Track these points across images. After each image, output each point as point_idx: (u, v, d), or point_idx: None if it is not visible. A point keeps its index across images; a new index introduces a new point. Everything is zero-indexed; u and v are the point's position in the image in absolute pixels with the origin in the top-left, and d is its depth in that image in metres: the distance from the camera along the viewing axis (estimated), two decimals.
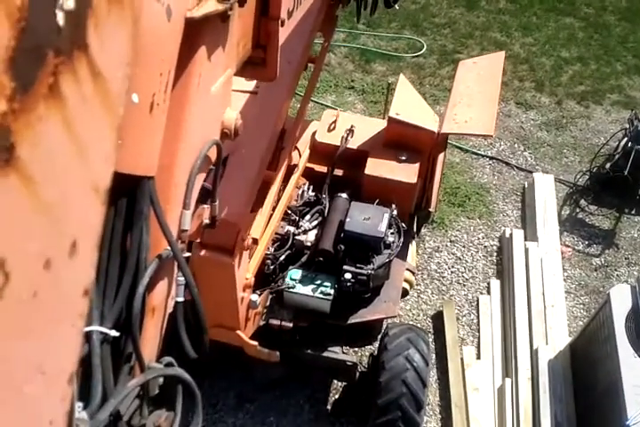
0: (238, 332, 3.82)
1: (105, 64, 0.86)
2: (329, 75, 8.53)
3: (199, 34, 1.58)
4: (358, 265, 4.16)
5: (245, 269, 3.56)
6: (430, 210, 5.26)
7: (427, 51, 8.94)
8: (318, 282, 4.29)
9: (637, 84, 8.51)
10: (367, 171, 4.54)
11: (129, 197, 1.45)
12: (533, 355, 5.05)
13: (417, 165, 4.57)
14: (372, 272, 4.15)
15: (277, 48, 2.16)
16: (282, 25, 2.15)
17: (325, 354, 4.45)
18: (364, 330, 5.28)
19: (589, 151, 7.41)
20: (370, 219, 4.19)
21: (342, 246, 4.14)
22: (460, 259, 6.19)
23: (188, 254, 1.79)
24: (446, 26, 9.56)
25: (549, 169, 7.14)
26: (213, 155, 1.78)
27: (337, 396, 5.11)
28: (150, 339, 1.67)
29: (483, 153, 7.33)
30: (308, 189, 4.86)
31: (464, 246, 6.31)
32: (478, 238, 6.39)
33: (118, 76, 0.91)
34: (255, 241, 3.77)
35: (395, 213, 4.37)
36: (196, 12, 1.49)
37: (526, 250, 5.87)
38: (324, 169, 4.96)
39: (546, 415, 4.60)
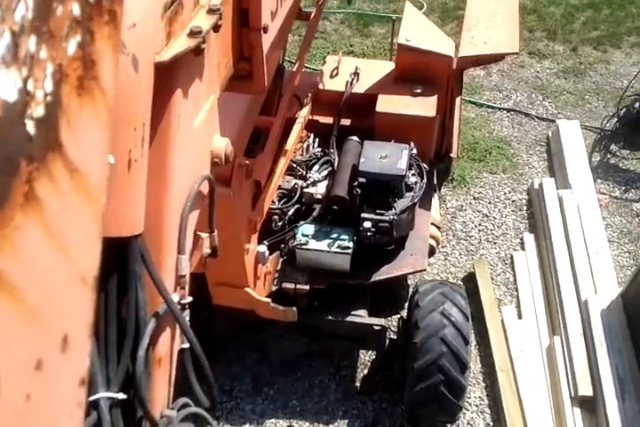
0: (247, 289, 3.30)
1: (81, 158, 0.84)
2: (325, 41, 8.02)
3: (172, 75, 1.49)
4: (378, 211, 3.63)
5: (248, 208, 3.04)
6: (452, 155, 4.72)
7: (427, 10, 8.38)
8: (334, 236, 3.76)
9: None
10: (378, 108, 4.03)
11: (119, 257, 1.41)
12: (582, 307, 4.50)
13: (434, 97, 4.05)
14: (395, 218, 3.62)
15: (263, 59, 2.05)
16: (265, 31, 2.04)
17: (349, 319, 3.91)
18: (391, 292, 4.78)
19: (613, 95, 6.85)
20: (387, 157, 3.67)
21: (358, 190, 3.61)
22: (486, 216, 5.64)
23: (189, 299, 1.70)
24: None
25: (573, 117, 6.59)
26: (206, 188, 1.70)
27: (365, 371, 4.57)
28: (160, 388, 1.66)
29: (499, 106, 6.79)
30: (314, 142, 4.35)
31: (490, 203, 5.76)
32: (505, 193, 5.85)
33: (96, 166, 0.89)
34: (258, 185, 3.27)
35: (414, 151, 3.83)
36: (166, 55, 1.41)
37: (560, 198, 5.32)
38: (329, 120, 4.45)
39: (606, 371, 4.05)
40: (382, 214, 3.63)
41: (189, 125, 1.60)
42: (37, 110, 0.74)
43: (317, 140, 4.37)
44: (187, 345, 1.68)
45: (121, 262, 1.43)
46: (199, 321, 3.52)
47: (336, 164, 4.06)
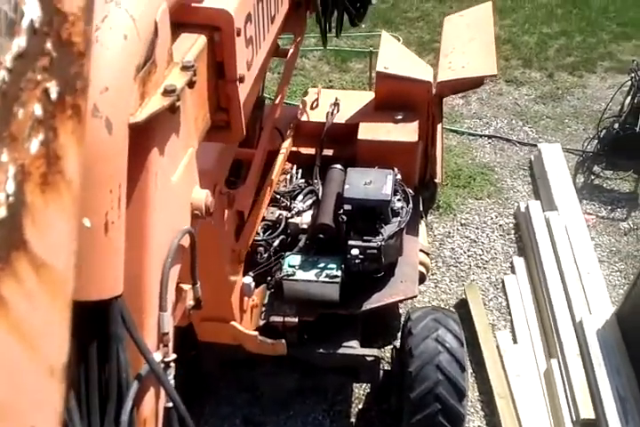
0: (233, 323, 3.21)
1: (47, 252, 0.83)
2: (305, 78, 8.11)
3: (147, 135, 1.48)
4: (365, 238, 3.59)
5: (231, 238, 2.99)
6: (437, 181, 4.71)
7: (404, 43, 8.49)
8: (322, 265, 3.71)
9: (627, 48, 8.12)
10: (360, 135, 4.02)
11: (99, 320, 1.37)
12: (578, 328, 4.44)
13: (415, 123, 4.06)
14: (383, 244, 3.58)
15: (240, 109, 2.07)
16: (241, 82, 2.05)
17: (340, 351, 3.82)
18: (382, 322, 4.70)
19: (592, 118, 6.93)
20: (371, 183, 3.65)
21: (344, 217, 3.58)
22: (475, 241, 5.62)
23: (173, 357, 1.65)
24: (420, 19, 9.22)
25: (553, 140, 6.65)
26: (187, 241, 1.69)
27: (361, 406, 4.46)
28: None
29: (480, 133, 6.85)
30: (297, 173, 4.33)
31: (477, 228, 5.74)
32: (491, 218, 5.84)
33: (63, 256, 0.88)
34: (241, 215, 3.23)
35: (398, 176, 3.82)
36: (140, 115, 1.40)
37: (547, 220, 5.31)
38: (312, 151, 4.44)
39: (606, 392, 3.97)
40: (370, 241, 3.58)
41: (167, 182, 1.59)
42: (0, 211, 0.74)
43: (300, 171, 4.35)
44: (171, 404, 1.64)
45: (101, 325, 1.40)
46: (186, 361, 3.45)
47: (320, 193, 4.04)
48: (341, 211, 3.62)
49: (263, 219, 3.86)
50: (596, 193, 6.07)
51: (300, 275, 3.66)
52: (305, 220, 3.94)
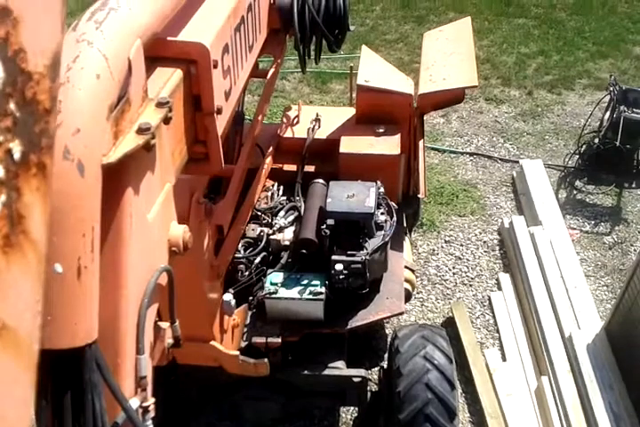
0: (213, 343, 3.07)
1: (10, 314, 0.80)
2: (285, 99, 8.07)
3: (121, 175, 1.44)
4: (349, 252, 3.48)
5: (210, 252, 2.87)
6: (420, 196, 4.63)
7: None
8: (305, 282, 3.59)
9: (604, 66, 8.21)
10: (342, 149, 3.95)
11: (72, 367, 1.32)
12: (567, 344, 4.35)
13: (397, 136, 4.00)
14: (368, 258, 3.47)
15: (218, 140, 2.05)
16: (219, 113, 2.03)
17: (326, 372, 3.68)
18: (368, 343, 4.58)
19: (572, 134, 6.96)
20: (354, 196, 3.56)
21: (327, 232, 3.47)
22: (459, 258, 5.54)
23: (151, 401, 1.61)
24: (399, 41, 9.28)
25: (535, 157, 6.64)
26: (165, 279, 1.65)
27: None
28: None
29: (461, 150, 6.83)
30: (278, 190, 4.23)
31: (462, 245, 5.67)
32: (475, 235, 5.77)
33: (27, 317, 0.85)
34: (221, 230, 3.11)
35: (381, 190, 3.74)
36: (114, 156, 1.36)
37: (531, 235, 5.25)
38: (293, 168, 4.36)
39: (599, 408, 3.86)
40: (354, 255, 3.48)
41: (143, 221, 1.55)
42: None
43: (282, 188, 4.26)
44: None
45: (75, 372, 1.34)
46: (165, 386, 3.29)
47: (302, 209, 3.94)
48: (324, 225, 3.52)
49: (244, 236, 3.75)
50: (579, 208, 6.04)
51: (283, 293, 3.54)
52: (287, 236, 3.83)
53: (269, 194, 4.18)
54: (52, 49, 0.87)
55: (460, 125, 7.21)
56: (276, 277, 3.61)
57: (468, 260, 5.51)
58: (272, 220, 3.92)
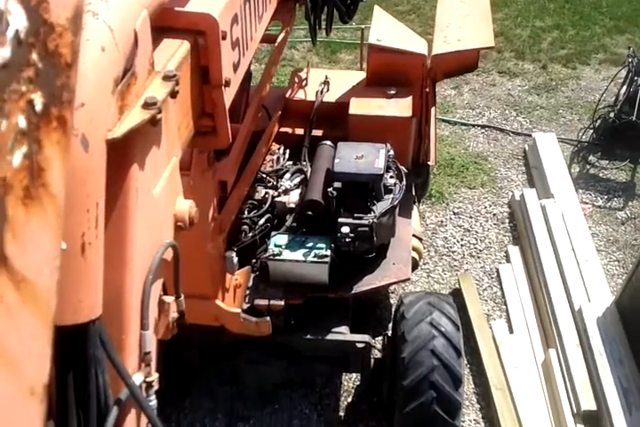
0: (215, 302, 2.98)
1: (29, 267, 0.80)
2: (294, 68, 7.90)
3: (127, 150, 1.41)
4: (356, 215, 3.37)
5: (213, 204, 2.76)
6: (430, 163, 4.50)
7: None
8: (310, 245, 3.48)
9: (621, 42, 7.99)
10: (352, 110, 3.81)
11: (76, 343, 1.30)
12: (577, 317, 4.25)
13: (409, 98, 3.86)
14: (375, 221, 3.36)
15: (226, 114, 2.04)
16: (227, 86, 2.00)
17: (329, 337, 3.58)
18: (372, 312, 4.49)
19: (587, 109, 6.79)
20: (363, 157, 3.43)
21: (334, 192, 3.36)
22: (468, 230, 5.42)
23: (155, 376, 1.59)
24: (411, 12, 9.05)
25: (548, 130, 6.47)
26: (170, 255, 1.64)
27: (350, 399, 4.22)
28: None
29: (473, 122, 6.67)
30: (284, 153, 4.10)
31: (470, 217, 5.55)
32: (485, 207, 5.65)
33: (45, 271, 0.84)
34: (224, 187, 3.00)
35: (391, 152, 3.61)
36: (119, 131, 1.34)
37: (543, 208, 5.13)
38: (300, 132, 4.23)
39: (608, 382, 3.77)
40: (361, 218, 3.36)
41: (149, 196, 1.53)
42: None
43: (288, 151, 4.13)
44: None
45: (79, 348, 1.33)
46: (164, 350, 3.21)
47: (309, 172, 3.82)
48: (331, 187, 3.40)
49: (248, 198, 3.64)
50: (592, 182, 5.90)
51: (287, 255, 3.43)
52: (292, 199, 3.72)
53: (275, 157, 4.06)
54: (75, 1, 0.86)
55: (471, 98, 7.04)
56: (280, 239, 3.50)
57: (476, 232, 5.40)
58: (277, 182, 3.81)
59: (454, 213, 5.57)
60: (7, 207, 0.76)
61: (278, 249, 3.45)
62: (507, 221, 5.51)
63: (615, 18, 8.53)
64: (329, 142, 3.82)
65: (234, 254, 3.11)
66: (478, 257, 5.18)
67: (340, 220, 3.36)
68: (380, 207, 3.43)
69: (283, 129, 4.23)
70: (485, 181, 5.92)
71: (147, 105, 1.43)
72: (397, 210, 3.59)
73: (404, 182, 3.59)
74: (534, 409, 3.94)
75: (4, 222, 0.76)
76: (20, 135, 0.77)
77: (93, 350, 1.33)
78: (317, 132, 4.17)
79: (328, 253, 3.41)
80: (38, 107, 0.80)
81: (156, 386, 1.60)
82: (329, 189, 3.40)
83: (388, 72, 3.92)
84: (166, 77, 1.55)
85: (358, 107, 3.84)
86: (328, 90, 4.33)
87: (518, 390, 4.04)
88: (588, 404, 3.78)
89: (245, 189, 3.42)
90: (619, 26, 8.34)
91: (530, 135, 6.35)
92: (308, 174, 3.80)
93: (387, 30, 4.03)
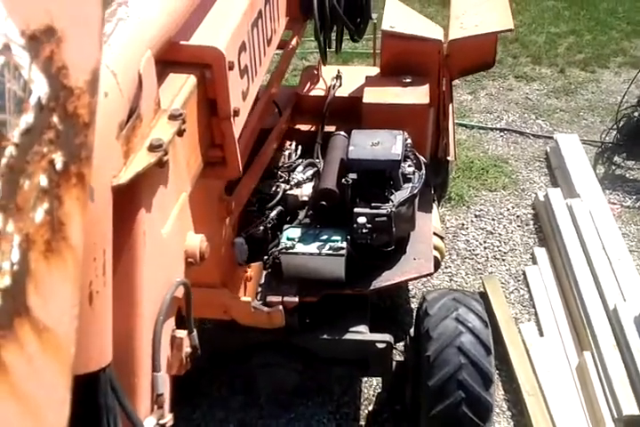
0: (225, 291, 2.77)
1: (50, 316, 0.83)
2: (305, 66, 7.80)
3: (133, 194, 1.39)
4: (374, 204, 3.16)
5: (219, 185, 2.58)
6: (449, 158, 4.30)
7: None
8: (324, 237, 3.27)
9: None
10: (366, 99, 3.64)
11: (87, 391, 1.26)
12: (612, 317, 3.97)
13: (426, 86, 3.68)
14: (394, 210, 3.15)
15: (235, 144, 2.02)
16: (236, 115, 1.99)
17: (347, 337, 3.35)
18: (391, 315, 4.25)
19: (608, 111, 6.58)
20: (379, 144, 3.24)
21: (349, 180, 3.16)
22: (491, 233, 5.18)
23: (169, 418, 1.58)
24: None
25: (570, 132, 6.26)
26: (181, 292, 1.62)
27: (371, 407, 3.96)
28: None
29: (491, 126, 6.48)
30: (296, 149, 3.93)
31: (493, 219, 5.32)
32: (508, 209, 5.41)
33: (65, 320, 0.88)
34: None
35: (409, 141, 3.42)
36: (125, 176, 1.32)
37: (569, 207, 4.89)
38: (313, 128, 4.08)
39: None
40: (379, 208, 3.15)
41: (157, 237, 1.51)
42: (3, 281, 0.74)
43: (300, 148, 3.97)
44: None
45: (90, 397, 1.31)
46: None
47: (322, 166, 3.64)
48: (346, 176, 3.21)
49: (259, 191, 3.46)
50: (618, 183, 5.66)
51: (301, 248, 3.22)
52: (305, 192, 3.53)
53: (287, 153, 3.89)
54: (92, 65, 0.91)
55: (488, 102, 6.87)
56: (293, 232, 3.30)
57: (500, 234, 5.16)
58: (289, 176, 3.63)
59: (476, 216, 5.35)
60: (30, 261, 0.79)
61: (291, 242, 3.24)
62: (531, 222, 5.27)
63: (633, 23, 8.37)
64: (342, 133, 3.64)
65: (243, 241, 2.91)
66: (503, 260, 4.93)
67: (357, 210, 3.16)
68: (398, 196, 3.22)
69: (295, 126, 4.08)
70: (507, 183, 5.70)
71: (153, 147, 1.40)
72: (417, 201, 3.38)
73: (424, 172, 3.39)
74: (570, 415, 3.65)
75: (28, 275, 0.78)
76: (42, 193, 0.81)
77: (105, 399, 1.32)
78: (330, 128, 4.01)
79: (344, 245, 3.20)
80: (59, 165, 0.84)
81: (170, 424, 1.59)
82: (344, 179, 3.21)
83: (402, 60, 3.75)
84: (172, 117, 1.52)
85: (372, 95, 3.67)
86: (341, 85, 4.19)
87: (552, 395, 3.76)
88: (630, 408, 3.49)
89: (255, 178, 3.24)
90: (637, 30, 8.17)
91: (551, 138, 6.15)
92: (321, 168, 3.62)
93: (400, 17, 3.89)
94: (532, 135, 6.32)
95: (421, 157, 3.47)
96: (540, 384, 3.84)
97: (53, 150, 0.83)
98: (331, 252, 3.19)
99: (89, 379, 1.27)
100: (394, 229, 3.21)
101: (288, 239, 3.26)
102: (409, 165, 3.36)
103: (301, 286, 3.26)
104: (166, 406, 1.56)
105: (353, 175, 3.20)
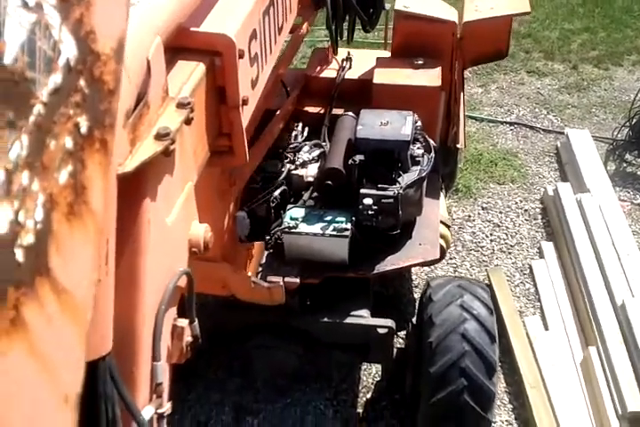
0: (225, 264, 2.70)
1: (69, 279, 0.85)
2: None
3: (139, 182, 1.39)
4: (381, 185, 3.08)
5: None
6: (459, 146, 4.22)
7: None
8: (329, 218, 3.19)
9: None
10: (376, 80, 3.56)
11: (86, 379, 1.19)
12: (620, 312, 3.88)
13: (438, 68, 3.60)
14: (401, 192, 3.07)
15: (243, 133, 2.00)
16: (245, 104, 1.96)
17: (348, 321, 3.26)
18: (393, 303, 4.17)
19: (621, 108, 6.48)
20: (388, 123, 3.16)
21: (356, 160, 3.08)
22: (498, 226, 5.09)
23: (167, 407, 1.57)
24: None
25: (581, 128, 6.16)
26: (184, 281, 1.62)
27: (369, 395, 3.88)
28: None
29: (501, 120, 6.38)
30: (303, 131, 3.85)
31: (500, 212, 5.22)
32: (516, 202, 5.32)
33: (84, 285, 0.89)
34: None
35: (419, 123, 3.33)
36: (130, 164, 1.31)
37: (579, 202, 4.80)
38: (320, 111, 3.99)
39: None
40: (385, 189, 3.07)
41: (162, 225, 1.49)
42: (27, 239, 0.76)
43: (307, 130, 3.88)
44: None
45: (89, 385, 1.27)
46: None
47: (328, 148, 3.55)
48: (354, 156, 3.12)
49: (263, 170, 3.38)
50: (629, 180, 5.57)
51: (304, 228, 3.14)
52: (310, 172, 3.45)
53: (293, 134, 3.81)
54: (119, 33, 0.93)
55: (499, 96, 6.77)
56: (296, 211, 3.23)
57: (507, 227, 5.06)
58: (294, 156, 3.55)
59: (483, 208, 5.25)
60: (53, 222, 0.80)
61: (294, 222, 3.16)
62: (539, 217, 5.17)
63: None
64: (351, 113, 3.55)
65: (245, 215, 2.83)
66: (509, 253, 4.84)
67: (363, 191, 3.08)
68: (406, 179, 3.14)
69: (303, 108, 4.00)
70: (515, 176, 5.60)
71: (159, 136, 1.38)
72: (425, 185, 3.30)
73: (433, 155, 3.30)
74: (573, 409, 3.57)
75: (50, 236, 0.79)
76: (67, 155, 0.82)
77: (104, 387, 1.33)
78: (339, 111, 3.92)
79: (349, 226, 3.12)
80: (83, 129, 0.85)
81: (167, 417, 1.58)
82: (351, 159, 3.12)
83: (415, 42, 3.67)
84: (180, 105, 1.50)
85: (383, 76, 3.59)
86: (350, 67, 4.10)
87: (555, 388, 3.67)
88: (636, 405, 3.41)
89: (259, 155, 3.16)
90: None
91: (561, 133, 6.05)
92: (327, 150, 3.54)
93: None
94: (543, 130, 6.22)
95: (431, 141, 3.38)
96: (542, 377, 3.76)
97: (79, 113, 0.83)
98: (335, 233, 3.11)
99: (88, 367, 1.23)
100: (400, 212, 3.13)
101: (291, 219, 3.18)
102: (418, 148, 3.28)
103: (303, 267, 3.18)
104: (165, 395, 1.56)
105: (360, 156, 3.12)
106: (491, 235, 4.99)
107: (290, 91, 3.94)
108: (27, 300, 0.76)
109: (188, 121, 1.52)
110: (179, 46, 1.73)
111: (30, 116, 0.76)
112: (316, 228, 3.14)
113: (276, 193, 3.28)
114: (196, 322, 1.73)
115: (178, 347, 1.67)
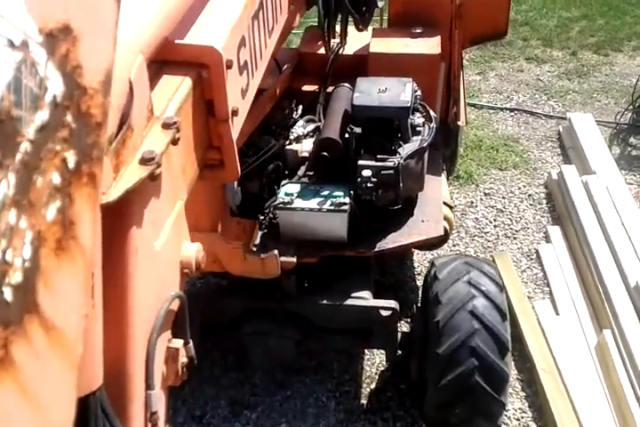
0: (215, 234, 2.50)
1: (58, 314, 0.83)
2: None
3: (123, 210, 1.30)
4: (380, 156, 2.89)
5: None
6: (460, 124, 4.03)
7: None
8: (326, 193, 3.00)
9: None
10: (372, 49, 3.39)
11: (77, 414, 1.10)
12: (634, 293, 3.69)
13: (437, 37, 3.43)
14: (402, 163, 2.88)
15: (234, 146, 1.92)
16: (235, 115, 1.89)
17: (348, 302, 3.06)
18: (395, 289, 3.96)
19: (623, 93, 6.32)
20: (387, 90, 2.97)
21: (353, 128, 2.89)
22: (502, 211, 4.91)
23: None
24: None
25: (583, 113, 6.00)
26: (176, 305, 1.55)
27: (373, 385, 3.67)
28: None
29: (501, 106, 6.22)
30: (296, 108, 3.66)
31: (503, 198, 5.04)
32: (519, 188, 5.14)
33: (73, 319, 0.88)
34: None
35: (418, 93, 3.15)
36: (114, 193, 1.22)
37: (585, 184, 4.62)
38: (314, 88, 3.81)
39: None
40: (385, 160, 2.89)
41: (150, 251, 1.42)
42: (15, 277, 0.75)
43: (301, 107, 3.70)
44: None
45: (81, 421, 1.22)
46: None
47: (322, 124, 3.37)
48: (351, 125, 2.94)
49: (255, 145, 3.19)
50: (635, 164, 5.39)
51: (300, 203, 2.95)
52: (305, 147, 3.26)
53: (286, 112, 3.62)
54: (106, 66, 0.93)
55: (498, 83, 6.61)
56: (291, 187, 3.03)
57: (511, 212, 4.88)
58: (288, 131, 3.36)
59: (485, 194, 5.07)
60: (41, 258, 0.79)
61: (289, 198, 2.97)
62: (544, 201, 4.99)
63: None
64: (347, 85, 3.37)
65: (236, 185, 2.64)
66: (514, 238, 4.65)
67: (361, 162, 2.89)
68: (406, 149, 2.95)
69: (296, 86, 3.82)
70: (518, 162, 5.42)
71: (144, 160, 1.31)
72: (426, 157, 3.11)
73: (434, 125, 3.12)
74: (589, 394, 3.36)
75: (38, 272, 0.79)
76: (54, 190, 0.81)
77: (95, 422, 1.29)
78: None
79: (347, 200, 2.93)
80: (71, 164, 0.85)
81: None
82: (348, 126, 2.94)
83: (412, 10, 3.51)
84: (166, 125, 1.42)
85: (380, 45, 3.42)
86: (346, 42, 3.92)
87: (569, 373, 3.47)
88: None
89: (250, 126, 2.97)
90: None
91: (563, 118, 5.89)
92: (322, 126, 3.35)
93: None
94: (544, 115, 6.05)
95: (432, 112, 3.20)
96: (556, 362, 3.55)
97: (66, 148, 0.83)
98: (332, 208, 2.92)
99: (79, 403, 1.16)
100: (401, 185, 2.94)
101: (286, 195, 2.98)
102: (418, 117, 3.10)
103: (300, 246, 2.98)
104: (161, 422, 1.51)
105: (358, 123, 2.94)
106: (494, 220, 4.81)
107: (282, 68, 3.76)
108: (15, 338, 0.75)
109: (174, 141, 1.44)
110: (164, 59, 1.65)
111: (17, 154, 0.75)
112: (313, 203, 2.95)
113: (270, 169, 3.09)
114: (191, 343, 1.66)
115: (173, 369, 1.61)
